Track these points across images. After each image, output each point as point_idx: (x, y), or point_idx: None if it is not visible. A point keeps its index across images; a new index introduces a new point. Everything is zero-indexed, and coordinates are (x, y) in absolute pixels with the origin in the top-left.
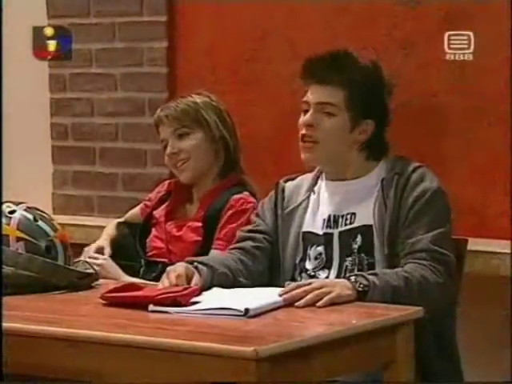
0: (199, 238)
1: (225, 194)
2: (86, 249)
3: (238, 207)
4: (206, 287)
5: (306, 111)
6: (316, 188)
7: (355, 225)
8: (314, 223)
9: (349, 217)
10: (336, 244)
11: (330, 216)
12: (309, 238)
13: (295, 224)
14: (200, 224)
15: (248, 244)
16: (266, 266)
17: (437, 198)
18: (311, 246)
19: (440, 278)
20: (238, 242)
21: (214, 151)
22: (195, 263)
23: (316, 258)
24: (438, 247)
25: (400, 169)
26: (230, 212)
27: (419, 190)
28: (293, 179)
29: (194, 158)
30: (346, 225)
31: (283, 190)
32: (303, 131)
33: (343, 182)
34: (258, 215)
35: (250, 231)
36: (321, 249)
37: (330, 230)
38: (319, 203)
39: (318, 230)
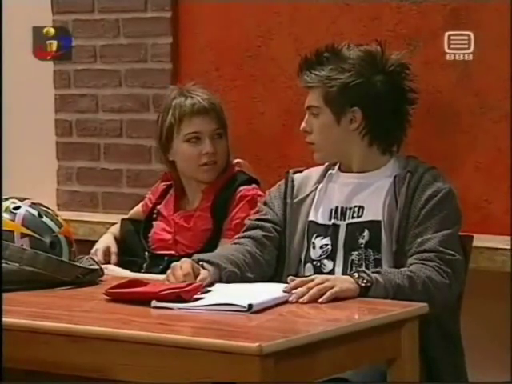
0: (209, 227)
1: (231, 183)
2: (92, 251)
3: (249, 198)
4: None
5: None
6: (325, 178)
7: (363, 219)
8: (320, 213)
9: (356, 209)
10: (342, 236)
11: (337, 207)
12: (314, 228)
13: (303, 215)
14: (208, 214)
15: (257, 233)
16: (275, 256)
17: (449, 199)
18: (316, 236)
19: (446, 279)
20: (246, 230)
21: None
22: (201, 262)
23: (321, 247)
24: (446, 248)
25: (413, 167)
26: (241, 203)
27: (432, 190)
28: (301, 171)
29: (221, 159)
30: (353, 217)
31: (293, 180)
32: (306, 138)
33: (354, 174)
34: (265, 204)
35: (258, 220)
36: (327, 240)
37: (337, 222)
38: (326, 192)
39: (325, 220)
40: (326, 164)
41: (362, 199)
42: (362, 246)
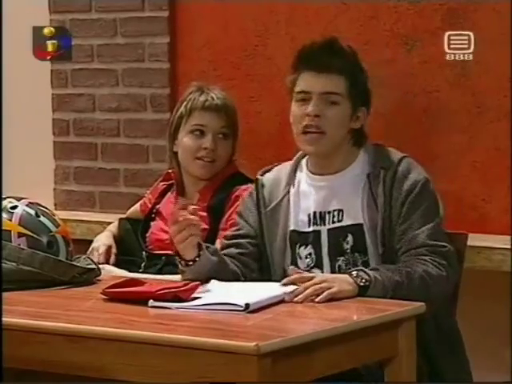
0: (205, 226)
1: (227, 183)
2: (94, 245)
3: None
4: (207, 266)
5: (303, 100)
6: (295, 181)
7: (344, 223)
8: (298, 220)
9: (336, 213)
10: (325, 242)
11: (315, 213)
12: (296, 237)
13: (281, 223)
14: (205, 214)
15: (232, 251)
16: (257, 269)
17: (426, 190)
18: (300, 246)
19: (443, 271)
20: (222, 249)
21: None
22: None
23: (306, 257)
24: (436, 241)
25: (384, 162)
26: (236, 202)
27: (408, 184)
28: (269, 170)
29: (220, 160)
30: (334, 222)
31: (263, 186)
32: (307, 122)
33: (327, 176)
34: (240, 215)
35: (232, 237)
36: (309, 248)
37: (317, 228)
38: (300, 197)
39: (305, 227)
40: (293, 161)
41: (340, 202)
42: (348, 250)
